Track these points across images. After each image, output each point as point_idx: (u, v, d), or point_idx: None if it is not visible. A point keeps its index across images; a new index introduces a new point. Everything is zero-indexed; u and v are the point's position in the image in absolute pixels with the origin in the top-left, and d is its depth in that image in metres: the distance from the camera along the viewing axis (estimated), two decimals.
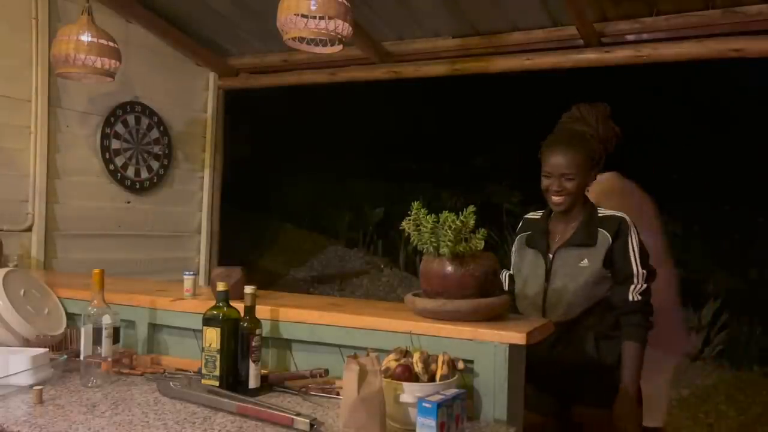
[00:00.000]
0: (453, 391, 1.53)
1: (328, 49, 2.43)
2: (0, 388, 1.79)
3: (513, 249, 2.36)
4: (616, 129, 2.22)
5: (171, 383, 1.81)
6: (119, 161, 3.90)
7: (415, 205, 1.86)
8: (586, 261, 2.09)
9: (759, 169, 7.40)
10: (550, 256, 2.18)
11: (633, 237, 2.09)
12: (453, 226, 1.74)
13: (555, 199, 2.14)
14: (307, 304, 2.12)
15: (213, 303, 1.86)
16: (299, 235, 8.36)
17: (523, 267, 2.26)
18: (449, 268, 1.76)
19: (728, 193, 7.98)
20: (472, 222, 1.78)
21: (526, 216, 2.40)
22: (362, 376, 1.48)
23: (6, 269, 2.22)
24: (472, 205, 1.83)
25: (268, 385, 1.87)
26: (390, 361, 1.63)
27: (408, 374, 1.60)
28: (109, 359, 1.92)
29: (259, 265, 7.05)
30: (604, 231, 2.10)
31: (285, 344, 2.01)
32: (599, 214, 2.15)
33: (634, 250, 2.07)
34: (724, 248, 7.26)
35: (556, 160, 2.10)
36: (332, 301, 2.19)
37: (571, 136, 2.14)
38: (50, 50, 2.95)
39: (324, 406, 1.74)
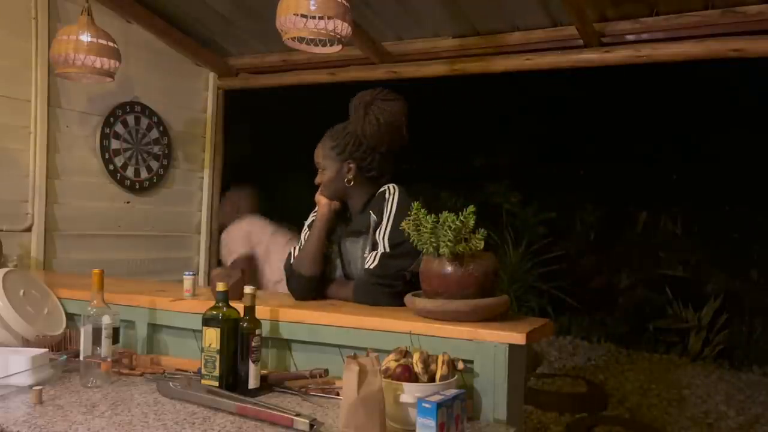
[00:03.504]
0: (453, 391, 1.53)
1: (328, 49, 2.43)
2: (0, 388, 1.79)
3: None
4: (374, 117, 2.13)
5: (171, 383, 1.81)
6: (119, 161, 3.90)
7: (415, 205, 1.86)
8: (368, 249, 2.11)
9: (759, 169, 7.39)
10: (339, 245, 2.23)
11: (389, 206, 2.08)
12: (453, 226, 1.74)
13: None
14: (306, 304, 2.12)
15: (213, 303, 1.86)
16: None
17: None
18: (449, 268, 1.77)
19: (728, 193, 7.96)
20: (471, 222, 1.78)
21: None
22: (362, 376, 1.48)
23: (6, 269, 2.22)
24: (472, 205, 1.84)
25: (267, 385, 1.87)
26: (390, 362, 1.63)
27: (408, 374, 1.59)
28: (109, 359, 1.92)
29: None
30: (372, 213, 2.13)
31: (285, 344, 2.01)
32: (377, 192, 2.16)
33: (385, 223, 2.06)
34: (724, 248, 7.25)
35: (315, 152, 2.23)
36: (332, 301, 2.19)
37: (328, 130, 2.23)
38: (50, 50, 2.94)
39: (324, 406, 1.74)
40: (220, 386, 1.80)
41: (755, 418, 4.90)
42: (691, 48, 3.25)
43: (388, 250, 2.01)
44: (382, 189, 2.16)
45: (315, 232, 2.20)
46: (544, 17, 3.43)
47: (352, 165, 2.17)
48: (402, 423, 1.57)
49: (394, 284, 2.00)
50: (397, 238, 2.00)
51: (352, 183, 2.18)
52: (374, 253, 2.04)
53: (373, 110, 2.14)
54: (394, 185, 2.15)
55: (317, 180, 2.23)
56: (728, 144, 7.54)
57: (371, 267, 2.03)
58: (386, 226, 2.05)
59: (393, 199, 2.10)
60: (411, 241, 1.85)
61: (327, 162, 2.19)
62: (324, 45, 2.42)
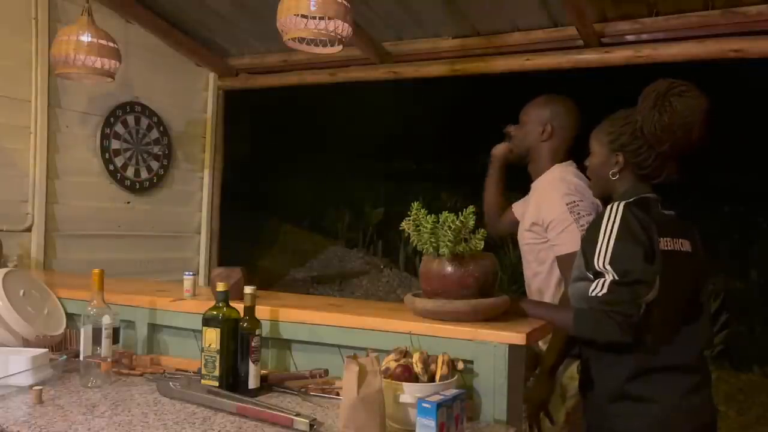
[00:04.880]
0: (453, 391, 1.53)
1: (328, 50, 2.44)
2: (0, 388, 1.79)
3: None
4: (658, 112, 1.90)
5: (171, 383, 1.81)
6: (119, 161, 3.90)
7: (415, 205, 1.86)
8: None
9: (759, 169, 7.40)
10: None
11: (609, 225, 1.83)
12: (453, 227, 1.74)
13: None
14: (306, 304, 2.12)
15: (213, 303, 1.87)
16: (299, 235, 8.36)
17: None
18: (449, 269, 1.76)
19: (728, 193, 7.96)
20: (471, 222, 1.78)
21: None
22: (362, 376, 1.48)
23: (6, 269, 2.22)
24: (472, 206, 1.84)
25: (267, 385, 1.87)
26: (390, 362, 1.63)
27: (408, 375, 1.60)
28: (109, 359, 1.92)
29: (258, 265, 7.05)
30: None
31: (285, 344, 2.01)
32: None
33: (605, 246, 1.84)
34: (724, 248, 7.26)
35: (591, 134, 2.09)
36: (332, 301, 2.19)
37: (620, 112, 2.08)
38: (50, 50, 2.94)
39: (324, 406, 1.74)
40: (220, 386, 1.80)
41: (755, 418, 4.89)
42: (691, 48, 3.25)
43: (617, 277, 1.72)
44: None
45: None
46: (544, 17, 3.43)
47: (620, 158, 1.94)
48: (402, 423, 1.57)
49: (630, 313, 1.71)
50: (625, 264, 1.73)
51: (617, 177, 1.95)
52: (601, 280, 1.74)
53: (664, 104, 1.89)
54: (622, 203, 1.84)
55: (585, 162, 2.06)
56: (728, 144, 7.55)
57: (599, 294, 1.73)
58: (606, 249, 1.76)
59: (615, 217, 1.80)
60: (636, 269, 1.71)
61: (597, 147, 2.00)
62: (324, 45, 2.42)
